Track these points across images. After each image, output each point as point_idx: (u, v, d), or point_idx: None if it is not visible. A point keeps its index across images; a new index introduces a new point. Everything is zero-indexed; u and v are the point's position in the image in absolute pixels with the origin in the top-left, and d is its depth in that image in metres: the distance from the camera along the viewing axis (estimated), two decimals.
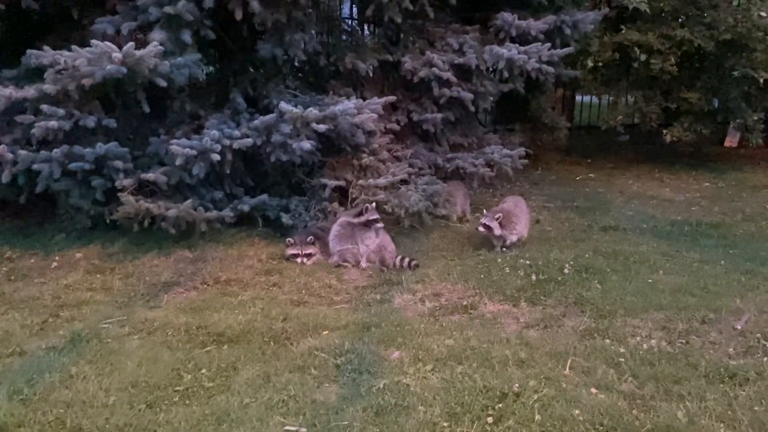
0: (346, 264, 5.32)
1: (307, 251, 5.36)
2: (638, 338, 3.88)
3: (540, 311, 4.33)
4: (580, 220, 6.74)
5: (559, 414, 3.12)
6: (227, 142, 5.27)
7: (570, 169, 9.42)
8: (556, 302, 4.46)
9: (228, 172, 5.55)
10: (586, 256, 5.37)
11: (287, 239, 5.44)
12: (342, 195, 6.12)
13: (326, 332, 4.02)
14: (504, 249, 5.53)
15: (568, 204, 7.38)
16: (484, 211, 6.66)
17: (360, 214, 5.38)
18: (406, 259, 5.27)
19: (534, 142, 9.19)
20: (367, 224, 5.35)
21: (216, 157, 5.16)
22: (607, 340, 3.84)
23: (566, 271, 4.98)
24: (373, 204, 5.47)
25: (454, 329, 4.04)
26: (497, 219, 5.52)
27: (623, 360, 3.61)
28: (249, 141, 5.33)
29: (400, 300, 4.57)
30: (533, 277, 4.87)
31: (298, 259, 5.33)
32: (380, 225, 5.41)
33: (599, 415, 3.11)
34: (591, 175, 9.00)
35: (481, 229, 5.50)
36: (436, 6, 6.56)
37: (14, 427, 3.04)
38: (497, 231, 5.51)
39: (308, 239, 5.38)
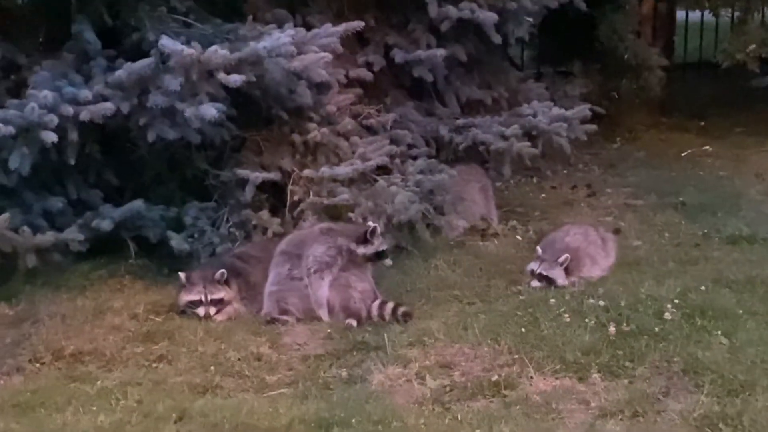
0: (286, 318, 5.33)
1: (216, 296, 5.35)
2: None
3: (625, 388, 4.34)
4: (690, 226, 6.80)
5: None
6: (69, 109, 5.26)
7: (670, 138, 9.52)
8: (653, 371, 4.48)
9: (73, 162, 5.53)
10: (702, 288, 5.40)
11: (181, 275, 5.43)
12: (275, 196, 6.14)
13: None
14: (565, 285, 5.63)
15: (669, 200, 7.45)
16: (530, 230, 6.73)
17: (364, 240, 5.45)
18: (390, 305, 5.29)
19: (607, 93, 9.30)
20: (373, 258, 5.50)
21: (50, 136, 5.15)
22: None
23: (668, 316, 5.01)
24: (373, 224, 5.55)
25: (477, 425, 4.04)
26: (563, 263, 5.64)
27: None
28: (108, 107, 5.34)
29: (381, 377, 4.55)
30: (611, 328, 4.89)
31: (201, 311, 5.32)
32: (389, 263, 5.66)
33: None
34: (706, 148, 9.11)
35: (535, 283, 5.65)
36: None
37: None
38: (562, 281, 5.65)
39: (217, 275, 5.38)
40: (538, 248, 5.83)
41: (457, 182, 6.59)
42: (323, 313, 5.32)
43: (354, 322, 5.23)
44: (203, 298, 5.32)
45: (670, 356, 4.60)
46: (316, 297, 5.35)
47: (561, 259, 5.63)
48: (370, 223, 5.54)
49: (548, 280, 5.62)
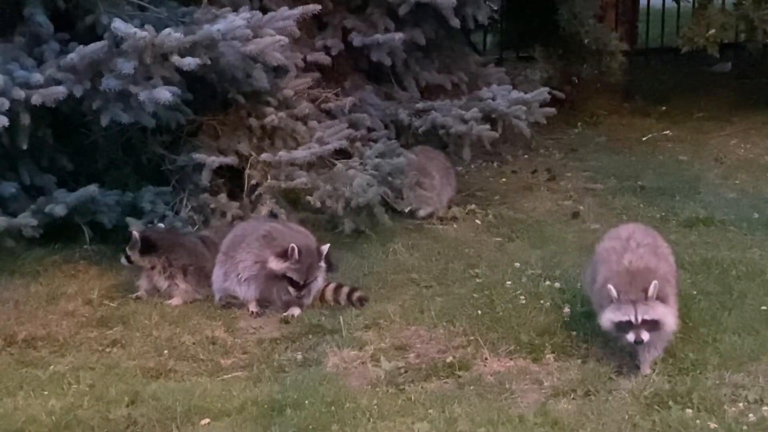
0: (236, 300, 5.37)
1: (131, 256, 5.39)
2: (741, 405, 3.96)
3: (578, 367, 4.40)
4: (649, 210, 6.88)
5: None
6: (21, 93, 5.24)
7: (631, 123, 9.60)
8: (606, 351, 4.54)
9: (25, 147, 5.51)
10: None
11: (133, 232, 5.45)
12: (232, 181, 6.15)
13: (207, 421, 4.02)
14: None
15: (628, 183, 7.53)
16: (489, 214, 6.77)
17: (284, 255, 5.19)
18: (345, 290, 5.32)
19: (568, 78, 9.35)
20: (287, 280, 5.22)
21: (1, 120, 5.11)
22: (690, 411, 3.90)
23: None
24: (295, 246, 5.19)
25: (430, 405, 4.07)
26: (654, 293, 4.22)
27: None
28: (61, 90, 5.31)
29: (336, 360, 4.58)
30: (566, 309, 4.97)
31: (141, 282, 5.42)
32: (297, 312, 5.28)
33: None
34: (667, 132, 9.19)
35: (644, 336, 4.21)
36: None
37: None
38: (673, 320, 4.34)
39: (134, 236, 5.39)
40: (611, 287, 4.25)
41: (418, 165, 6.62)
42: (252, 306, 5.29)
43: (297, 311, 5.23)
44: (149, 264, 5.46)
45: None
46: (245, 298, 5.31)
47: (651, 290, 4.23)
48: (293, 245, 5.16)
49: (655, 325, 4.24)
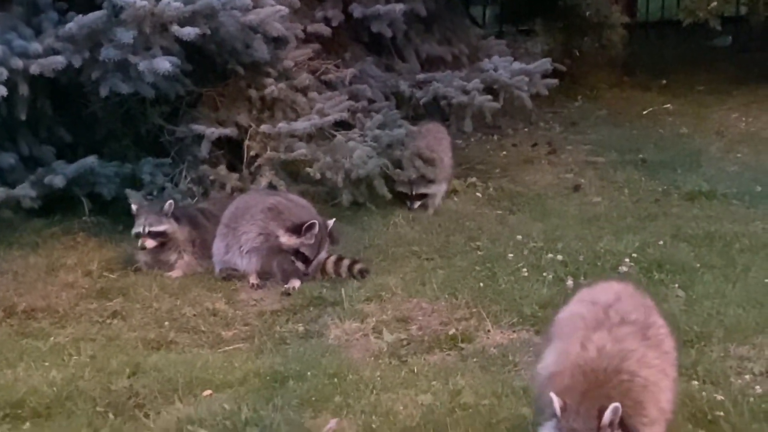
0: (236, 272, 5.37)
1: (157, 228, 5.34)
2: (747, 377, 3.98)
3: None
4: (650, 183, 6.88)
5: None
6: (19, 63, 5.21)
7: (631, 96, 9.57)
8: None
9: (24, 118, 5.49)
10: (660, 243, 5.49)
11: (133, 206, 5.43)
12: (232, 152, 6.12)
13: (208, 392, 4.02)
14: None
15: (630, 157, 7.52)
16: (490, 187, 6.75)
17: (296, 231, 5.18)
18: (346, 262, 5.32)
19: (569, 51, 9.31)
20: (296, 255, 5.22)
21: (0, 90, 5.10)
22: (695, 383, 3.93)
23: (625, 269, 5.10)
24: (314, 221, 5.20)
25: (433, 377, 4.09)
26: None
27: (721, 414, 3.68)
28: (59, 60, 5.29)
29: (338, 332, 4.60)
30: (569, 282, 4.97)
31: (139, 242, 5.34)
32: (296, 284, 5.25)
33: None
34: (668, 106, 9.17)
35: None
36: None
37: None
38: None
39: (165, 207, 5.37)
40: (555, 399, 2.91)
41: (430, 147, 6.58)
42: (253, 278, 5.29)
43: (297, 283, 5.22)
44: (141, 230, 5.37)
45: None
46: (246, 270, 5.32)
47: (606, 418, 2.82)
48: (314, 221, 5.19)
49: None
